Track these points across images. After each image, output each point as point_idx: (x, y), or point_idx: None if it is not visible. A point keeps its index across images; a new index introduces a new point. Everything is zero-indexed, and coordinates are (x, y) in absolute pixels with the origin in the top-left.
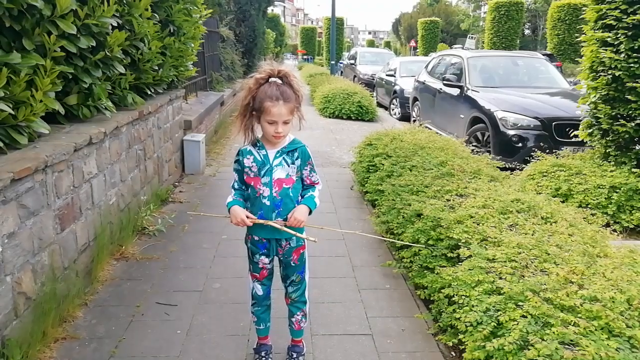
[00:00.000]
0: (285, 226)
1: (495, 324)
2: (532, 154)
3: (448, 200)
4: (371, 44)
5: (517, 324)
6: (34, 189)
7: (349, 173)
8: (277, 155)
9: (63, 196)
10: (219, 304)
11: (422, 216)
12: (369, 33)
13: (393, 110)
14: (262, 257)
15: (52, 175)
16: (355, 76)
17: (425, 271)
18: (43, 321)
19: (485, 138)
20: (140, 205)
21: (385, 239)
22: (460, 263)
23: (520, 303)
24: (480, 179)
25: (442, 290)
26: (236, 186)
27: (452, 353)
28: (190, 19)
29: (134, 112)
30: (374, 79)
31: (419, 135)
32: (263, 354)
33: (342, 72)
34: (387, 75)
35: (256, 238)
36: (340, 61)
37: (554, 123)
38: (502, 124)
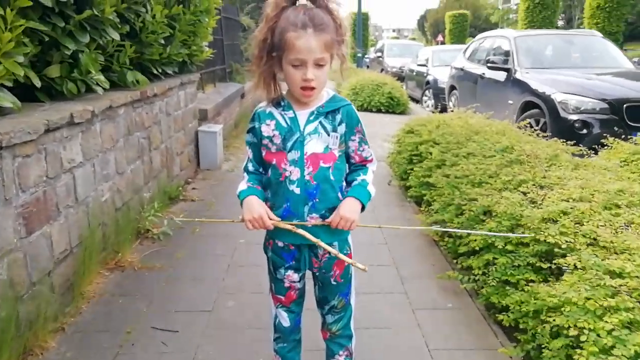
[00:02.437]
0: (323, 231)
1: None
2: (602, 140)
3: (525, 192)
4: None
5: None
6: None
7: (383, 167)
8: (311, 118)
9: (30, 189)
10: (233, 330)
11: (493, 214)
12: (393, 31)
13: (426, 102)
14: (289, 273)
15: (11, 161)
16: (382, 69)
17: (505, 287)
18: None
19: (540, 125)
20: (143, 203)
21: (472, 232)
22: (561, 277)
23: None
24: (560, 166)
25: (541, 316)
26: (251, 168)
27: None
28: None
29: (135, 92)
30: (402, 72)
31: (469, 120)
32: None
33: (368, 66)
34: (418, 66)
35: (280, 244)
36: (367, 56)
37: (625, 105)
38: (561, 108)
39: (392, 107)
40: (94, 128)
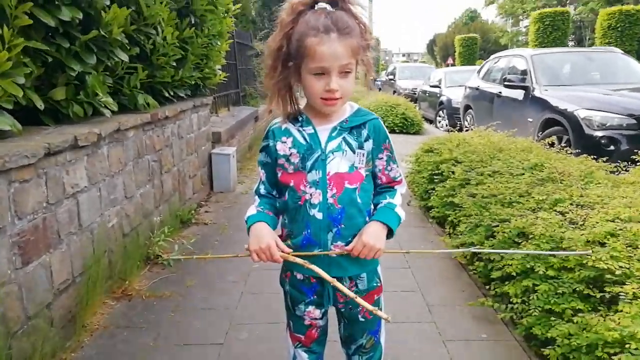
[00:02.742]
0: (349, 261)
1: None
2: (633, 157)
3: (562, 212)
4: None
5: None
6: None
7: None
8: (334, 134)
9: (28, 216)
10: None
11: (529, 236)
12: (403, 55)
13: (440, 122)
14: (310, 309)
15: (7, 187)
16: (394, 91)
17: (548, 316)
18: None
19: (563, 143)
20: (154, 228)
21: (517, 252)
22: (614, 307)
23: None
24: (597, 184)
25: (597, 352)
26: (262, 190)
27: None
28: (215, 9)
29: (146, 115)
30: (414, 94)
31: (491, 138)
32: None
33: (380, 89)
34: (431, 87)
35: (299, 277)
36: (378, 79)
37: None
38: (585, 125)
39: (407, 127)
40: (100, 151)
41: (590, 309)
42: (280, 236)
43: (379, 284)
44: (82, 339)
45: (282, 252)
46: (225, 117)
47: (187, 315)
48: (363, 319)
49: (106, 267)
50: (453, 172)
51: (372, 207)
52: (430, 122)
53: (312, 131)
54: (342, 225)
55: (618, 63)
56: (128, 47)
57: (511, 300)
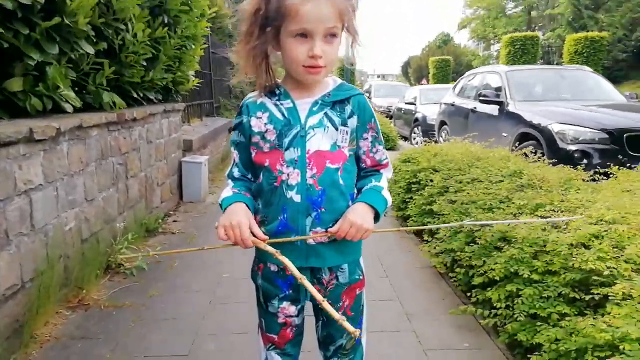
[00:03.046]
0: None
1: None
2: (606, 170)
3: (544, 217)
4: None
5: None
6: None
7: None
8: (314, 108)
9: None
10: None
11: (511, 240)
12: (378, 76)
13: (415, 139)
14: (285, 305)
15: None
16: None
17: (534, 322)
18: None
19: (537, 156)
20: (116, 235)
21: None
22: (602, 310)
23: None
24: (578, 189)
25: (586, 356)
26: (236, 173)
27: None
28: (190, 10)
29: (112, 114)
30: (390, 111)
31: (469, 147)
32: None
33: None
34: (406, 104)
35: (273, 268)
36: None
37: (625, 135)
38: (559, 139)
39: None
40: (59, 148)
41: (576, 312)
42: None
43: (361, 277)
44: (30, 350)
45: (256, 237)
46: (197, 126)
47: (149, 325)
48: (344, 317)
49: (61, 273)
50: (431, 180)
51: (356, 191)
52: (405, 139)
53: (291, 105)
54: (323, 209)
55: (588, 81)
56: (95, 41)
57: (494, 306)
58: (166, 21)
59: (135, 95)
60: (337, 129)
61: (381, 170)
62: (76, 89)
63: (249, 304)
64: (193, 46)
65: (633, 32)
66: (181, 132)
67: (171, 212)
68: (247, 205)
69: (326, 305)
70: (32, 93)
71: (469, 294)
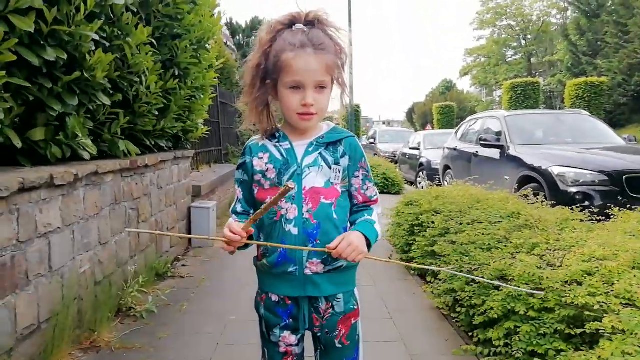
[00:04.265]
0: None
1: None
2: (607, 211)
3: (540, 255)
4: None
5: None
6: None
7: (383, 242)
8: (310, 149)
9: None
10: None
11: (508, 278)
12: (383, 123)
13: (420, 183)
14: (286, 334)
15: None
16: (375, 154)
17: (531, 359)
18: None
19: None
20: (127, 278)
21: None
22: (597, 346)
23: None
24: (573, 229)
25: None
26: (239, 209)
27: None
28: (199, 62)
29: (125, 161)
30: (395, 156)
31: (470, 190)
32: None
33: None
34: (410, 149)
35: (274, 298)
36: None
37: (625, 177)
38: (560, 181)
39: (388, 187)
40: (76, 193)
41: (572, 348)
42: (256, 256)
43: (356, 307)
44: None
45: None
46: (206, 172)
47: None
48: (340, 345)
49: (75, 315)
50: (433, 222)
51: (349, 224)
52: (411, 184)
53: (289, 146)
54: (318, 241)
55: (586, 124)
56: (111, 92)
57: (494, 344)
58: (177, 73)
59: (147, 143)
60: (330, 167)
61: (372, 206)
62: (92, 137)
63: (255, 346)
64: (202, 96)
65: (632, 77)
66: (190, 178)
67: (180, 257)
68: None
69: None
70: (52, 142)
71: (471, 334)
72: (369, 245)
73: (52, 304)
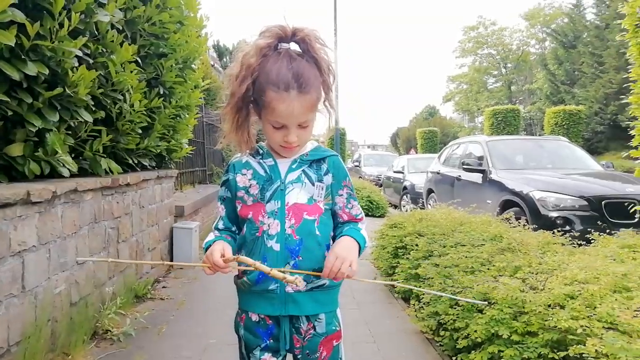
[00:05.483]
0: (308, 300)
1: None
2: (587, 236)
3: (523, 279)
4: None
5: None
6: None
7: (367, 265)
8: (293, 166)
9: None
10: None
11: (492, 302)
12: (368, 147)
13: (404, 206)
14: (266, 356)
15: None
16: (360, 177)
17: None
18: None
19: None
20: (105, 300)
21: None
22: None
23: None
24: (555, 252)
25: None
26: (221, 225)
27: None
28: (184, 82)
29: (106, 179)
30: (379, 180)
31: (452, 214)
32: None
33: None
34: (394, 173)
35: (254, 318)
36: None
37: (603, 202)
38: (541, 206)
39: (372, 210)
40: (54, 210)
41: None
42: (237, 275)
43: (338, 328)
44: None
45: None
46: (189, 192)
47: None
48: None
49: (48, 338)
50: (417, 245)
51: (332, 242)
52: (395, 207)
53: (273, 163)
54: (300, 258)
55: (565, 150)
56: (93, 109)
57: None
58: (162, 92)
59: (130, 162)
60: (313, 184)
61: (358, 223)
62: (73, 155)
63: None
64: (187, 115)
65: (607, 106)
66: (173, 198)
67: (161, 278)
68: (230, 245)
69: (275, 273)
70: (31, 158)
71: (455, 358)
72: (361, 250)
73: (24, 325)
